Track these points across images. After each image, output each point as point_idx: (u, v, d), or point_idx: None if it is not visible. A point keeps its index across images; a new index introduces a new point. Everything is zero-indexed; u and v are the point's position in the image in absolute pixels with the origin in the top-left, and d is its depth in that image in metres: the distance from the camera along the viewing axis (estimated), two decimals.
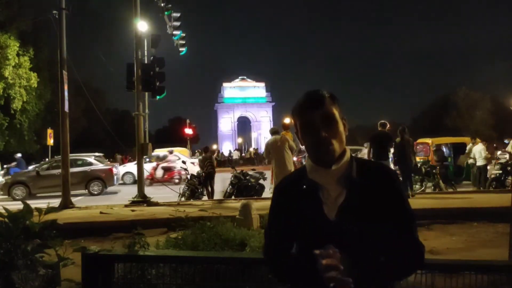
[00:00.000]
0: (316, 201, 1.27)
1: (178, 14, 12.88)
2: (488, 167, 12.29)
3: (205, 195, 11.89)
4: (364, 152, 13.12)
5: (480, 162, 11.79)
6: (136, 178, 11.19)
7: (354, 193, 1.25)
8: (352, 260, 1.13)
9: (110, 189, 15.71)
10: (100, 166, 15.57)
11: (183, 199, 11.26)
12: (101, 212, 8.59)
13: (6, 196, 14.21)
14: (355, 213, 1.23)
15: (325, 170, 1.28)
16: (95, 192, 14.80)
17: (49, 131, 24.85)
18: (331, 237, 1.20)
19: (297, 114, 1.32)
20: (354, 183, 1.26)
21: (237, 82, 69.27)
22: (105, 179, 15.16)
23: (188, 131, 32.92)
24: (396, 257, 1.24)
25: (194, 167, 19.73)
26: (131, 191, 11.12)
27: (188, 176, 12.02)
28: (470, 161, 12.67)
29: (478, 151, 11.92)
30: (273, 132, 8.28)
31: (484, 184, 11.68)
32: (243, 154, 43.31)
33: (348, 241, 1.20)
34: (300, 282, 1.26)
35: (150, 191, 10.57)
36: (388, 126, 9.67)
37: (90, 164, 15.43)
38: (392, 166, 9.56)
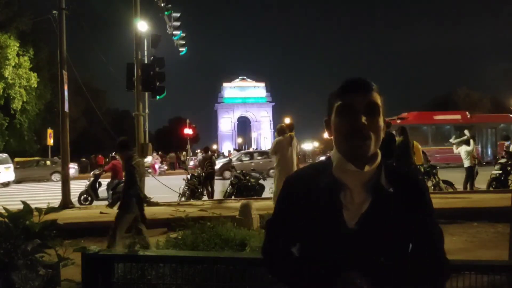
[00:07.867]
0: (336, 203, 1.10)
1: (178, 14, 12.89)
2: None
3: (205, 195, 11.91)
4: None
5: (466, 164, 11.67)
6: None
7: (380, 202, 1.09)
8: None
9: None
10: None
11: (183, 199, 11.29)
12: (101, 212, 8.58)
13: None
14: (378, 225, 1.08)
15: (355, 170, 1.10)
16: None
17: (49, 131, 24.88)
18: (346, 247, 1.08)
19: (337, 95, 1.13)
20: (382, 191, 1.10)
21: (237, 82, 69.33)
22: None
23: (188, 131, 32.90)
24: (417, 276, 1.11)
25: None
26: None
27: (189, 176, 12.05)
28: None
29: (462, 153, 11.80)
30: (280, 130, 7.37)
31: (471, 186, 11.51)
32: None
33: (366, 255, 1.06)
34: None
35: (150, 191, 10.56)
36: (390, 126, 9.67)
37: None
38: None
